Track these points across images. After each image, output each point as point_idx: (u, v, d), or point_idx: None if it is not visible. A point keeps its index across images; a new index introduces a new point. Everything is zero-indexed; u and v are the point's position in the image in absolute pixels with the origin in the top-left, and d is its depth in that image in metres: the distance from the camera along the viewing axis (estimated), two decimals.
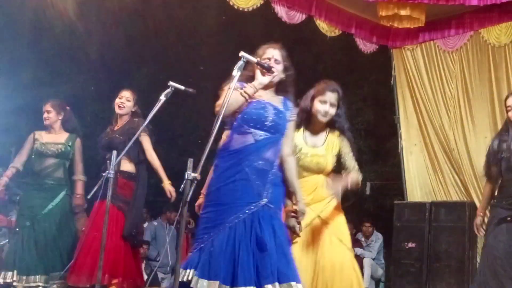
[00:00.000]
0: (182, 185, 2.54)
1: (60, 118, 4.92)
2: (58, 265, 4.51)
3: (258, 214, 2.85)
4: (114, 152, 3.64)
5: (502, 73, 6.11)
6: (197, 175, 2.58)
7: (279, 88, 3.09)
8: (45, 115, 4.93)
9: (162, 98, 3.79)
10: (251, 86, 2.94)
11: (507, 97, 3.98)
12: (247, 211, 2.84)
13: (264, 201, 2.88)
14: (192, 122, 10.48)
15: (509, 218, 3.78)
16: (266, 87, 3.06)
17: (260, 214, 2.85)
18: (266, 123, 2.95)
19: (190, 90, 4.08)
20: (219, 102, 2.92)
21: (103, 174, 3.69)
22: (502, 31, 6.07)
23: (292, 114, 3.09)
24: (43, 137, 4.86)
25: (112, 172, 3.58)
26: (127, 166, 4.44)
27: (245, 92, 2.92)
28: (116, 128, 4.58)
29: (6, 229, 6.96)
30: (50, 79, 10.02)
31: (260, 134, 2.95)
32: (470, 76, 6.34)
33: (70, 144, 4.85)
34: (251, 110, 2.97)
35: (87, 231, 4.33)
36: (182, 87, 3.86)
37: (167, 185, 4.35)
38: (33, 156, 4.83)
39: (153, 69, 10.43)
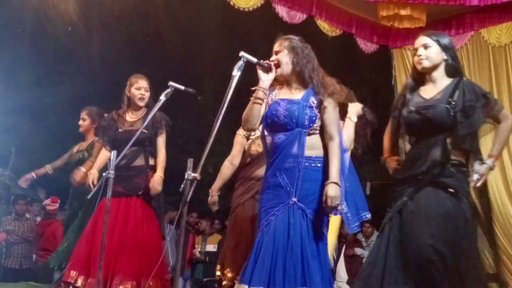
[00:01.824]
0: (182, 185, 2.54)
1: (95, 126, 4.97)
2: None
3: (287, 216, 2.84)
4: (114, 152, 3.62)
5: (502, 73, 6.10)
6: (197, 175, 2.58)
7: (299, 79, 3.01)
8: (80, 122, 5.02)
9: (162, 98, 3.79)
10: (258, 89, 2.94)
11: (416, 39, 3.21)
12: (276, 213, 2.85)
13: (294, 200, 2.86)
14: (192, 122, 10.48)
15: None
16: (284, 84, 3.04)
17: (290, 216, 2.83)
18: (279, 121, 2.92)
19: (190, 90, 4.08)
20: (244, 115, 2.98)
21: (104, 174, 3.66)
22: (502, 31, 6.07)
23: (316, 101, 2.94)
24: (77, 146, 5.03)
25: (112, 172, 3.57)
26: (152, 161, 4.30)
27: (254, 97, 2.93)
28: (132, 119, 4.27)
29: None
30: (50, 79, 10.02)
31: (279, 136, 2.93)
32: (470, 76, 6.32)
33: (89, 148, 4.91)
34: (267, 113, 2.98)
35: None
36: (182, 87, 3.86)
37: (157, 176, 4.16)
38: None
39: (153, 69, 10.42)
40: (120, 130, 4.25)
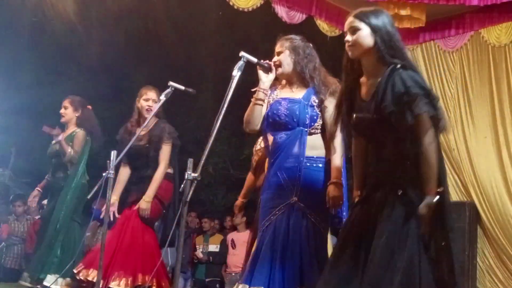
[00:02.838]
0: (182, 185, 2.53)
1: (77, 115, 4.79)
2: None
3: (288, 216, 2.83)
4: (114, 152, 3.63)
5: (502, 73, 6.09)
6: (197, 175, 2.58)
7: (300, 79, 3.01)
8: (62, 111, 4.80)
9: (162, 98, 3.79)
10: (258, 90, 2.94)
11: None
12: (277, 212, 2.85)
13: (294, 199, 2.85)
14: (192, 122, 10.48)
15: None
16: (285, 84, 3.04)
17: (290, 216, 2.83)
18: (280, 120, 2.92)
19: (190, 90, 4.09)
20: (245, 116, 2.97)
21: (104, 174, 3.65)
22: (502, 31, 6.06)
23: (317, 100, 2.92)
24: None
25: (112, 172, 3.57)
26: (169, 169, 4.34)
27: (255, 98, 2.93)
28: (142, 133, 4.25)
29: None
30: (50, 79, 10.02)
31: (281, 135, 2.93)
32: (470, 76, 6.32)
33: (67, 139, 4.72)
34: (268, 113, 2.98)
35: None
36: (182, 87, 3.87)
37: (142, 202, 4.14)
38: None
39: (153, 69, 10.42)
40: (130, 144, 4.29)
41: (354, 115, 2.49)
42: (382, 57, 2.42)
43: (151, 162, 4.23)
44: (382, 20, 2.45)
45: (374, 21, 2.44)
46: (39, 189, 4.98)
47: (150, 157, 4.21)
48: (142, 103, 4.33)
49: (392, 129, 2.36)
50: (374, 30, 2.43)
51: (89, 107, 4.89)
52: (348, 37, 2.47)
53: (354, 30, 2.45)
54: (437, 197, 2.29)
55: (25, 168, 8.76)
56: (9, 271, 6.81)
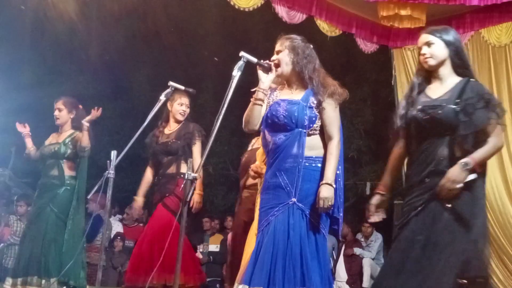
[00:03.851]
0: (182, 185, 2.54)
1: (72, 117, 4.75)
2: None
3: (287, 216, 2.83)
4: (114, 152, 3.63)
5: (502, 73, 6.10)
6: (197, 175, 2.58)
7: (299, 80, 3.00)
8: (56, 113, 4.73)
9: (162, 98, 3.80)
10: (258, 90, 2.93)
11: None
12: (275, 213, 2.85)
13: (293, 200, 2.85)
14: (192, 122, 10.48)
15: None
16: (285, 84, 3.04)
17: (289, 217, 2.83)
18: (279, 122, 2.92)
19: (190, 90, 4.10)
20: (244, 116, 2.98)
21: (104, 174, 3.65)
22: (502, 31, 6.07)
23: (316, 101, 2.93)
24: (49, 138, 4.79)
25: (112, 172, 3.57)
26: (185, 168, 4.36)
27: (254, 98, 2.93)
28: (169, 132, 4.52)
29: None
30: (50, 79, 10.02)
31: (280, 136, 2.92)
32: None
33: (67, 141, 4.69)
34: (267, 114, 2.97)
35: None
36: (182, 87, 3.87)
37: (195, 194, 4.32)
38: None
39: (153, 69, 10.43)
40: (158, 143, 4.51)
41: (420, 108, 2.83)
42: (455, 68, 2.89)
43: (175, 161, 4.38)
44: (453, 36, 2.91)
45: (446, 36, 2.89)
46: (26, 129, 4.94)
47: (178, 154, 4.37)
48: (175, 106, 4.52)
49: (452, 130, 2.74)
50: (447, 44, 2.87)
51: (80, 106, 4.84)
52: (425, 50, 2.89)
53: (429, 44, 2.89)
54: (475, 175, 2.67)
55: (25, 168, 8.74)
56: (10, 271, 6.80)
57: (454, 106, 2.76)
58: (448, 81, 2.89)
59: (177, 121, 4.54)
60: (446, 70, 2.90)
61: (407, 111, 2.92)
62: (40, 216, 4.58)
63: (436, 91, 2.89)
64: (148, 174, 4.56)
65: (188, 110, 4.57)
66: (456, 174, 2.64)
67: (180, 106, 4.52)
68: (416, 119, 2.85)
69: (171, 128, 4.54)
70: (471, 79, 2.86)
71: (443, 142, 2.77)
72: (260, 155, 3.62)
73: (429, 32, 2.92)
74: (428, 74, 2.96)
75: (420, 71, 3.00)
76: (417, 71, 3.04)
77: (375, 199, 3.01)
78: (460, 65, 2.89)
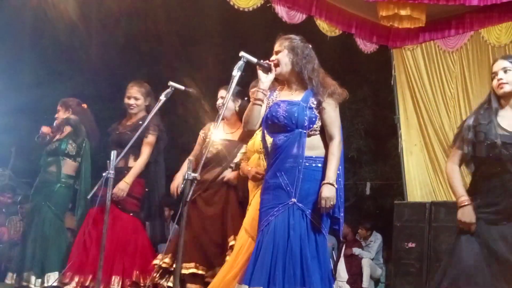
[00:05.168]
0: (182, 185, 2.54)
1: (67, 115, 4.78)
2: None
3: (287, 217, 2.83)
4: (114, 152, 3.62)
5: None
6: (197, 175, 2.58)
7: (299, 80, 3.00)
8: (56, 115, 4.84)
9: (162, 98, 3.79)
10: (257, 90, 2.94)
11: (494, 62, 3.24)
12: (275, 213, 2.85)
13: (293, 200, 2.85)
14: (192, 122, 10.49)
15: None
16: (284, 84, 3.04)
17: (289, 217, 2.83)
18: (279, 122, 2.92)
19: (190, 90, 4.10)
20: (244, 117, 2.97)
21: (104, 174, 3.65)
22: (502, 31, 6.06)
23: (316, 102, 2.93)
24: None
25: (112, 172, 3.56)
26: (133, 163, 4.30)
27: (254, 99, 2.93)
28: (128, 123, 4.41)
29: None
30: (50, 79, 10.03)
31: (280, 137, 2.93)
32: (470, 76, 6.33)
33: (72, 135, 4.70)
34: (267, 115, 2.97)
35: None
36: (182, 87, 3.87)
37: (121, 182, 4.14)
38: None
39: (153, 69, 10.43)
40: (116, 132, 4.39)
41: (501, 143, 2.92)
42: None
43: (125, 154, 4.03)
44: None
45: None
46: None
47: (131, 147, 3.92)
48: (125, 100, 4.40)
49: None
50: None
51: (85, 105, 4.87)
52: (502, 76, 3.00)
53: (506, 70, 3.00)
54: None
55: (25, 168, 8.76)
56: None
57: None
58: None
59: (135, 115, 4.40)
60: None
61: (480, 140, 3.00)
62: (37, 213, 4.58)
63: (506, 122, 2.99)
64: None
65: (139, 102, 4.37)
66: None
67: (128, 100, 4.40)
68: (494, 152, 2.95)
69: (132, 120, 4.42)
70: None
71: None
72: (255, 159, 3.63)
73: (506, 58, 3.04)
74: (497, 100, 3.06)
75: (492, 96, 3.08)
76: (487, 97, 3.12)
77: (471, 211, 3.06)
78: None
